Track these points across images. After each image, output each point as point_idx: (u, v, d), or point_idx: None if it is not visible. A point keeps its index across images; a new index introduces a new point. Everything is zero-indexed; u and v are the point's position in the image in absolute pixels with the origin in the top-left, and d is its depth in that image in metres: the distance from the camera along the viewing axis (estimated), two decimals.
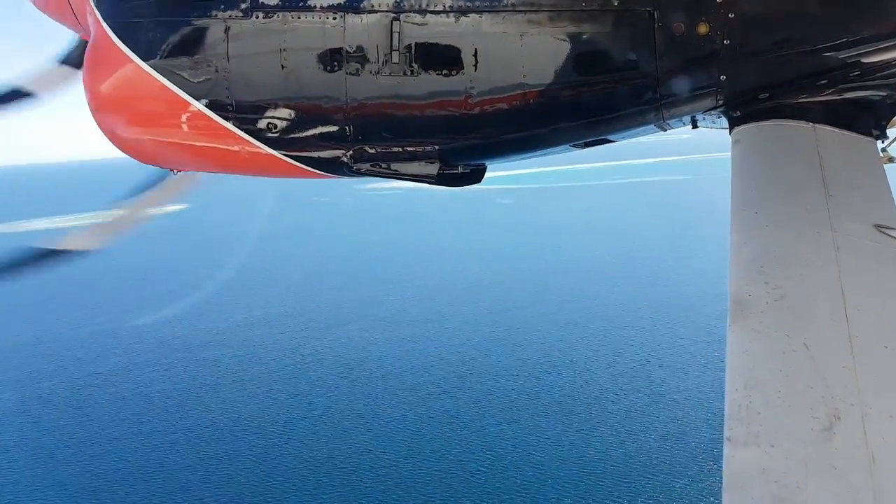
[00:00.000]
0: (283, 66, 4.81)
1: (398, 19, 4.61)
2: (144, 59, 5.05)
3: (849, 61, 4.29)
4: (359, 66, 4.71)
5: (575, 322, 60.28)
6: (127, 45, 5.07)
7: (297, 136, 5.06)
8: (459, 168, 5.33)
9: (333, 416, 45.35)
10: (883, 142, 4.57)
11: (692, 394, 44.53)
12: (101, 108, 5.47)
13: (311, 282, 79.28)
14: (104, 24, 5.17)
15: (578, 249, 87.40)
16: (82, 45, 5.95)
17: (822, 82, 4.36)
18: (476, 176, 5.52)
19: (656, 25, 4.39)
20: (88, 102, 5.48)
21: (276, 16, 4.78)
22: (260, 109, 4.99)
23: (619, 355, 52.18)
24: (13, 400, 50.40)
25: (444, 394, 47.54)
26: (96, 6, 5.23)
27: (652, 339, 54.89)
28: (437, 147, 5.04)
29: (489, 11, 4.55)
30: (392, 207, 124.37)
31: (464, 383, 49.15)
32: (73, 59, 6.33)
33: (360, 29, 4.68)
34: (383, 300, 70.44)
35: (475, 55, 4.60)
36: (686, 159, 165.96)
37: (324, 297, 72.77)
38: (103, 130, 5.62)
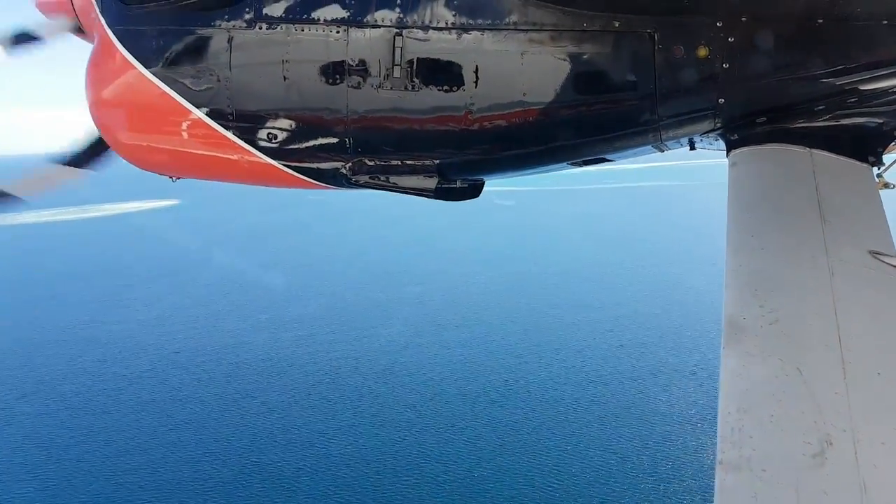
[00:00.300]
0: (285, 78, 4.85)
1: (401, 35, 4.65)
2: (147, 66, 5.08)
3: (846, 88, 4.36)
4: (361, 79, 4.75)
5: (609, 329, 59.52)
6: (130, 52, 5.11)
7: (297, 146, 5.10)
8: (458, 183, 5.41)
9: (385, 424, 43.77)
10: (879, 168, 4.54)
11: None
12: (102, 113, 5.52)
13: (320, 283, 77.23)
14: (108, 31, 5.20)
15: (590, 254, 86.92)
16: (97, 145, 6.01)
17: (820, 108, 4.41)
18: (474, 191, 5.59)
19: (656, 47, 4.45)
20: (89, 107, 5.51)
21: (279, 27, 4.80)
22: (261, 119, 5.03)
23: (663, 364, 51.49)
24: (37, 404, 47.83)
25: (495, 403, 46.29)
26: (101, 13, 5.25)
27: (694, 349, 54.19)
28: (436, 161, 5.09)
29: (491, 29, 4.60)
30: (389, 207, 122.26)
31: (510, 391, 47.97)
32: (77, 160, 6.21)
33: (363, 43, 4.71)
34: (404, 302, 68.99)
35: (476, 72, 4.65)
36: (680, 164, 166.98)
37: (340, 299, 70.88)
38: (102, 133, 5.65)
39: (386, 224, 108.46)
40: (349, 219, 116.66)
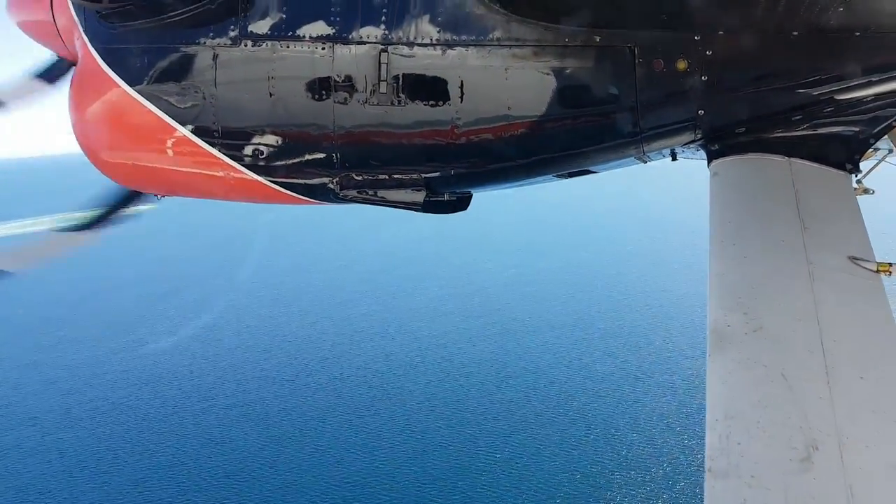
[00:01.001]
0: (271, 94, 4.91)
1: (386, 51, 4.73)
2: (131, 84, 5.14)
3: (823, 98, 4.45)
4: (347, 95, 4.80)
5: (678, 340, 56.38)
6: (114, 70, 5.18)
7: (284, 162, 5.15)
8: (445, 195, 5.46)
9: (531, 437, 42.15)
10: (856, 175, 4.68)
11: None
12: (86, 131, 5.55)
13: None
14: (92, 49, 5.28)
15: (614, 246, 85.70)
16: (59, 63, 6.14)
17: (797, 118, 4.52)
18: (462, 203, 5.67)
19: (637, 62, 4.54)
20: (73, 125, 5.58)
21: (264, 44, 4.87)
22: (247, 136, 5.07)
23: None
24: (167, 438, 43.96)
25: (616, 437, 42.47)
26: (84, 31, 5.34)
27: None
28: (423, 175, 5.15)
29: (475, 45, 4.67)
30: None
31: (629, 422, 44.43)
32: (48, 75, 6.34)
33: (349, 59, 4.78)
34: (462, 302, 66.74)
35: (461, 87, 4.72)
36: None
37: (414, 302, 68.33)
38: (86, 153, 5.69)
39: (405, 220, 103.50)
40: (347, 219, 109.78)
